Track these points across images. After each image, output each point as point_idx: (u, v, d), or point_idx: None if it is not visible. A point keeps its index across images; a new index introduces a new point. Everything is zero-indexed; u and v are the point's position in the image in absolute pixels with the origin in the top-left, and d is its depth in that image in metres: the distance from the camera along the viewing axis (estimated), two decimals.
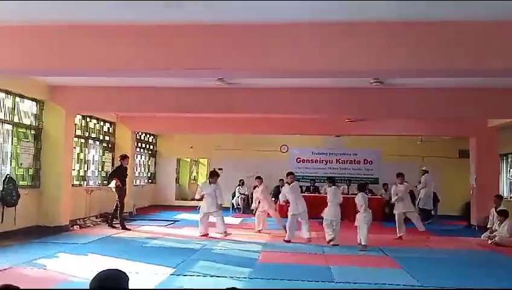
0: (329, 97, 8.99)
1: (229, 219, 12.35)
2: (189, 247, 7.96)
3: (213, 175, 9.78)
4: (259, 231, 10.13)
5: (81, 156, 11.25)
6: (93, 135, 11.93)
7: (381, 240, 8.83)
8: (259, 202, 10.40)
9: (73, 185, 10.45)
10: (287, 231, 8.93)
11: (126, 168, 10.65)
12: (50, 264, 6.23)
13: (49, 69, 5.93)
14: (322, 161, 16.00)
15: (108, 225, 10.16)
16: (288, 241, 8.72)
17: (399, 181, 9.92)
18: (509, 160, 13.60)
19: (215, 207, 9.45)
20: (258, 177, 10.76)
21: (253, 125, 12.60)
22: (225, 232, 9.39)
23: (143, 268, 6.08)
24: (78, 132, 11.01)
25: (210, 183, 9.59)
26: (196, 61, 5.41)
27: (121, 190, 10.21)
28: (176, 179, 17.27)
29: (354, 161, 15.86)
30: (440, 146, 15.09)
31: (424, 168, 13.52)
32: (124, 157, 10.63)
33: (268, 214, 10.48)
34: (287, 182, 9.30)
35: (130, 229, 9.90)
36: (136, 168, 14.61)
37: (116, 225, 10.16)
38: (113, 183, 10.27)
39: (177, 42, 5.36)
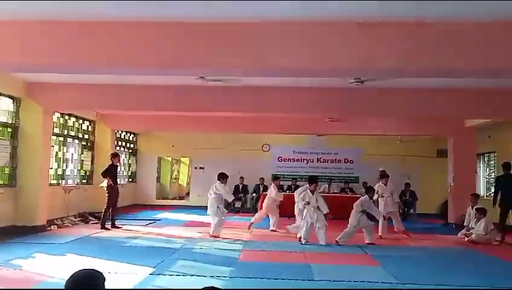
0: (310, 97, 9.03)
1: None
2: (169, 246, 7.89)
3: (225, 177, 9.65)
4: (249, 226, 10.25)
5: (60, 154, 11.06)
6: (72, 133, 11.73)
7: (361, 238, 8.91)
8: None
9: (51, 184, 10.27)
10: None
11: (117, 166, 10.57)
12: (26, 265, 6.11)
13: (25, 65, 5.83)
14: (304, 160, 16.09)
15: (111, 227, 9.92)
16: None
17: (383, 182, 10.06)
18: (485, 159, 13.89)
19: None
20: (276, 178, 11.11)
21: (235, 124, 12.60)
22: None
23: (122, 268, 6.01)
24: (56, 130, 10.81)
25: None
26: (182, 60, 5.40)
27: (112, 189, 10.10)
28: (157, 178, 17.12)
29: (335, 160, 16.00)
30: (419, 146, 15.33)
31: (381, 169, 13.77)
32: (114, 155, 10.56)
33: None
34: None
35: (109, 229, 9.79)
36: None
37: (119, 225, 10.09)
38: (104, 183, 10.15)
39: (163, 40, 5.32)
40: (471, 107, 9.14)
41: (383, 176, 10.35)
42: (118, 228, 9.94)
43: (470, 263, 7.41)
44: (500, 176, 10.15)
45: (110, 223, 10.01)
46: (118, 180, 14.51)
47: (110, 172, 10.24)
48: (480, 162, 14.00)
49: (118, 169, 10.76)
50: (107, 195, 10.05)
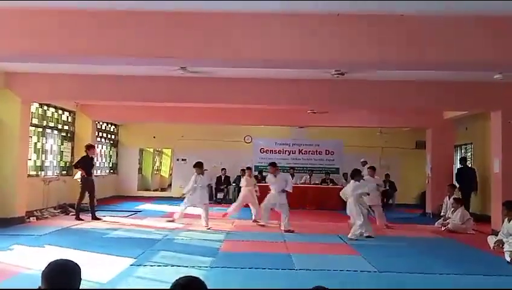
0: (292, 88, 9.06)
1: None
2: (150, 237, 7.89)
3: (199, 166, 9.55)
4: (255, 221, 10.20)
5: (38, 145, 10.88)
6: (51, 124, 11.54)
7: (341, 228, 9.06)
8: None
9: (29, 175, 10.13)
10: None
11: (92, 158, 10.49)
12: (4, 257, 6.04)
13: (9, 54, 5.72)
14: (285, 151, 16.16)
15: (92, 218, 9.86)
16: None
17: (370, 173, 9.94)
18: (462, 151, 14.18)
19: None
20: (248, 168, 11.14)
21: (217, 115, 12.58)
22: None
23: (102, 259, 6.00)
24: (35, 121, 10.63)
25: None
26: (162, 50, 5.36)
27: (86, 181, 10.03)
28: (139, 169, 17.00)
29: (316, 151, 16.12)
30: (398, 137, 15.55)
31: (363, 160, 13.93)
32: (89, 147, 10.47)
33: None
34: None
35: (83, 220, 9.73)
36: (97, 158, 14.27)
37: (100, 216, 10.03)
38: (78, 174, 10.06)
39: (141, 30, 5.28)
40: (450, 99, 9.30)
41: (370, 168, 10.17)
42: (98, 219, 9.88)
43: (446, 251, 7.60)
44: (460, 168, 12.08)
45: (89, 214, 9.94)
46: (99, 171, 14.50)
47: (84, 163, 10.17)
48: (458, 154, 14.29)
49: (95, 160, 10.61)
50: (80, 186, 10.02)
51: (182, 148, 16.09)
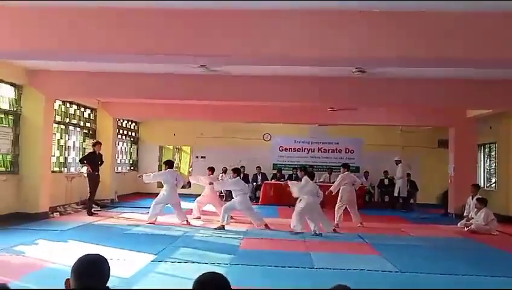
0: (311, 86, 9.01)
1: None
2: (171, 234, 7.96)
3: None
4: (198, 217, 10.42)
5: (61, 142, 11.09)
6: (74, 121, 11.75)
7: (361, 227, 8.97)
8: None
9: (53, 171, 10.34)
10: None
11: (100, 154, 10.64)
12: (29, 251, 6.17)
13: (26, 51, 5.81)
14: (305, 149, 16.10)
15: (87, 213, 10.11)
16: None
17: (341, 171, 9.87)
18: (486, 150, 13.88)
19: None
20: (210, 168, 11.23)
21: (236, 113, 12.59)
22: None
23: (124, 255, 6.07)
24: (58, 118, 10.83)
25: None
26: (181, 48, 5.39)
27: (91, 176, 10.25)
28: (159, 166, 17.14)
29: (336, 149, 16.01)
30: (420, 136, 15.32)
31: (397, 158, 13.68)
32: (95, 143, 10.74)
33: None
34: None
35: (96, 214, 10.03)
36: (118, 155, 14.48)
37: (95, 212, 10.21)
38: (84, 169, 10.28)
39: (163, 27, 5.32)
40: (472, 97, 9.11)
41: (344, 166, 10.04)
42: (93, 214, 10.04)
43: (469, 252, 7.45)
44: None
45: (96, 209, 10.20)
46: (120, 168, 14.70)
47: (90, 159, 10.38)
48: (481, 153, 14.00)
49: (103, 157, 10.78)
50: (87, 182, 10.25)
51: (201, 145, 16.19)
